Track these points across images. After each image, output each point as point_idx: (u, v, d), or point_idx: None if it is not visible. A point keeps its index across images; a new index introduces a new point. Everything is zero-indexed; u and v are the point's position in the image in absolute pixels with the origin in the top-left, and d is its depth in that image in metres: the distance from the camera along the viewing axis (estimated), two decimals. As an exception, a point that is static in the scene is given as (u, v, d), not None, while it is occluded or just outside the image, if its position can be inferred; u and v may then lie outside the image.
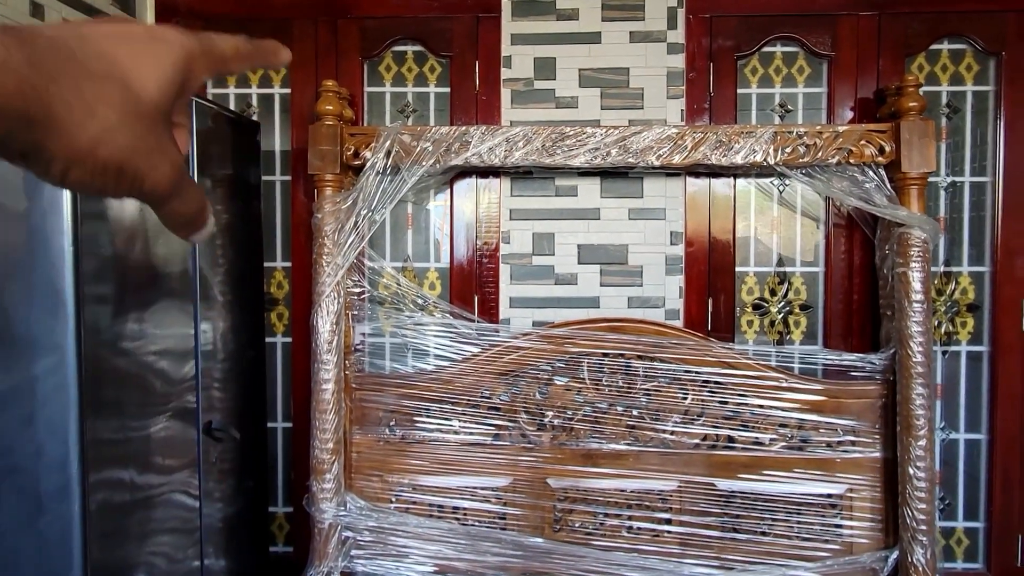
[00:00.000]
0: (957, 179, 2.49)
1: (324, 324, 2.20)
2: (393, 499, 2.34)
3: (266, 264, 2.54)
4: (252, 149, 2.34)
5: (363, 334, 2.39)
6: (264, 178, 2.51)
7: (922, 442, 2.15)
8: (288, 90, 2.53)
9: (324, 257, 2.21)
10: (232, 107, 2.53)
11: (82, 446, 1.46)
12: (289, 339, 2.56)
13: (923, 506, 2.14)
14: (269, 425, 2.56)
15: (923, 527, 2.14)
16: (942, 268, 2.50)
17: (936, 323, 2.49)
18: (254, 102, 2.57)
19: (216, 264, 2.10)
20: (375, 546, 2.28)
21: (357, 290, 2.35)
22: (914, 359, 2.15)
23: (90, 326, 1.53)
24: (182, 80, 0.37)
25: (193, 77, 0.38)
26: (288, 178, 2.54)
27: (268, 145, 2.54)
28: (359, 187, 2.22)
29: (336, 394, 2.21)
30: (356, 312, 2.36)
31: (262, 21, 2.50)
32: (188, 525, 1.91)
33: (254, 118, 2.52)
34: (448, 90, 2.51)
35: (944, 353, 2.51)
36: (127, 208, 1.70)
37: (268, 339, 2.56)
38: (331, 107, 2.22)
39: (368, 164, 2.22)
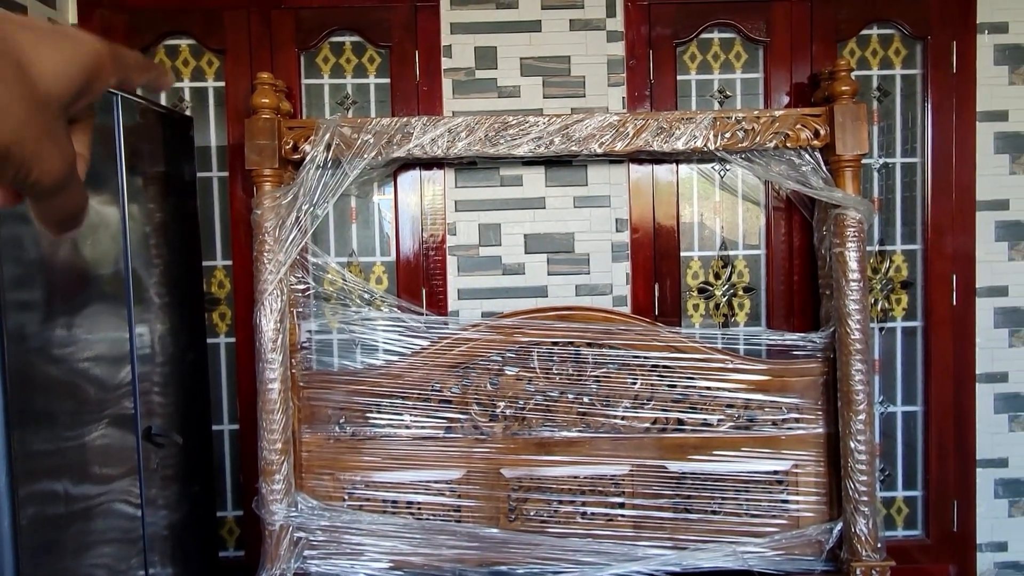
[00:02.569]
0: (889, 160, 2.57)
1: (268, 323, 2.15)
2: (346, 497, 2.31)
3: (206, 263, 2.47)
4: (185, 145, 2.27)
5: (309, 331, 2.35)
6: (200, 174, 2.43)
7: (862, 416, 2.22)
8: (222, 83, 2.46)
9: (265, 254, 2.15)
10: (163, 102, 2.44)
11: (10, 459, 1.40)
12: (233, 339, 2.50)
13: (864, 478, 2.21)
14: (215, 428, 2.49)
15: (864, 498, 2.21)
16: (877, 247, 2.58)
17: (873, 300, 2.57)
18: (187, 96, 2.49)
19: (151, 264, 2.03)
20: (329, 545, 2.25)
21: (301, 287, 2.30)
22: (852, 336, 2.21)
23: (14, 334, 1.46)
24: (85, 79, 0.36)
25: (99, 80, 0.37)
26: (225, 174, 2.47)
27: (203, 140, 2.47)
28: (299, 181, 2.17)
29: (283, 393, 2.17)
30: (301, 309, 2.32)
31: (191, 12, 2.42)
32: (130, 535, 1.85)
33: (187, 113, 2.44)
34: (388, 81, 2.47)
35: (881, 329, 2.59)
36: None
37: (211, 340, 2.49)
38: (267, 100, 2.16)
39: (308, 158, 2.17)
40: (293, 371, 2.26)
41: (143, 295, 1.97)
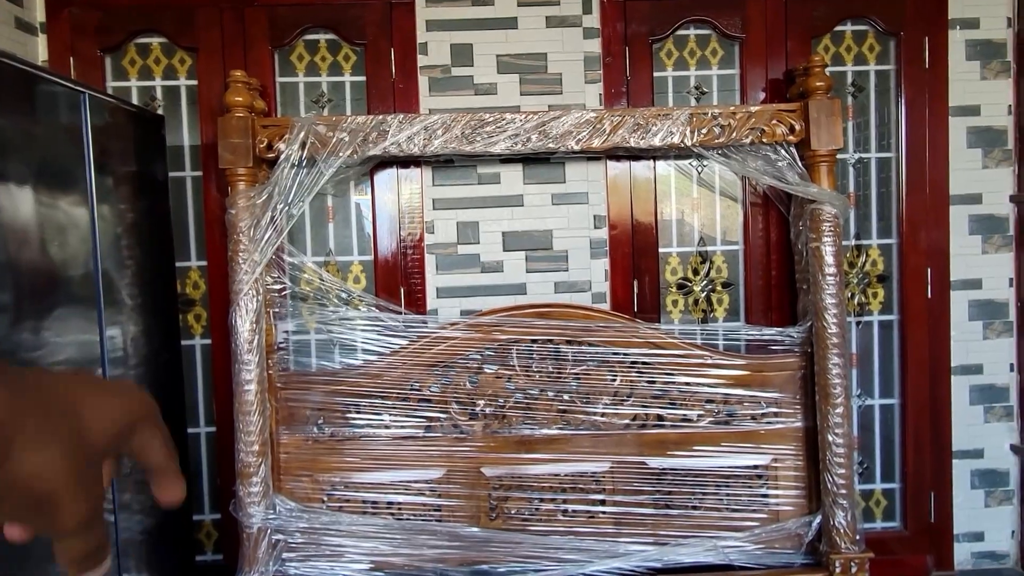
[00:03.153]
0: (864, 155, 2.59)
1: (243, 323, 2.13)
2: (325, 498, 2.29)
3: (180, 264, 2.44)
4: (157, 144, 2.23)
5: (286, 332, 2.32)
6: (173, 174, 2.40)
7: (839, 410, 2.23)
8: (195, 82, 2.43)
9: (240, 254, 2.13)
10: (135, 100, 2.41)
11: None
12: (208, 340, 2.47)
13: (842, 471, 2.22)
14: (192, 430, 2.47)
15: (843, 491, 2.23)
16: (853, 242, 2.60)
17: (849, 295, 2.58)
18: (158, 95, 2.45)
19: (123, 266, 2.00)
20: (308, 547, 2.23)
21: (277, 287, 2.28)
22: (829, 330, 2.22)
23: (-21, 337, 1.43)
24: (126, 433, 0.41)
25: (135, 434, 0.41)
26: (199, 173, 2.44)
27: (176, 140, 2.43)
28: (274, 180, 2.15)
29: (259, 395, 2.14)
30: (277, 309, 2.29)
31: (163, 9, 2.39)
32: (104, 540, 1.82)
33: (159, 111, 2.41)
34: (364, 79, 2.45)
35: (858, 323, 2.61)
36: (20, 209, 1.60)
37: (186, 341, 2.46)
38: (240, 98, 2.13)
39: (282, 156, 2.15)
40: (270, 372, 2.23)
41: (115, 297, 1.94)
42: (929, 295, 2.55)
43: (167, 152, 2.32)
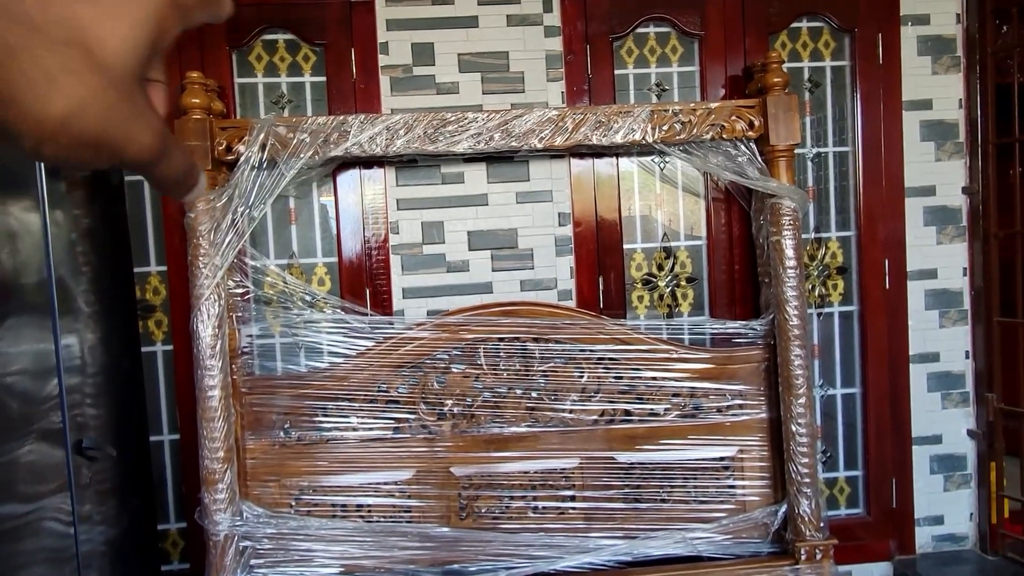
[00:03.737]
0: (822, 150, 2.64)
1: (205, 328, 2.10)
2: (293, 503, 2.27)
3: (139, 269, 2.39)
4: (112, 147, 2.19)
5: (250, 336, 2.30)
6: (129, 178, 2.36)
7: (802, 400, 2.27)
8: (150, 83, 2.38)
9: (200, 258, 2.10)
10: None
11: (-77, 480, 1.33)
12: (170, 347, 2.43)
13: (806, 460, 2.27)
14: (155, 438, 2.42)
15: (807, 480, 2.27)
16: (813, 235, 2.64)
17: (810, 287, 2.63)
18: (113, 97, 2.40)
19: (78, 272, 1.96)
20: (276, 553, 2.20)
21: (240, 291, 2.25)
22: (791, 323, 2.26)
23: (-74, 348, 1.39)
24: (154, 37, 0.34)
25: (166, 31, 0.35)
26: (157, 177, 2.39)
27: (133, 143, 2.38)
28: (233, 183, 2.12)
29: (223, 400, 2.12)
30: (241, 314, 2.26)
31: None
32: (63, 553, 1.78)
33: (114, 114, 2.36)
34: (324, 79, 2.43)
35: (819, 315, 2.66)
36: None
37: (148, 348, 2.42)
38: (198, 100, 2.10)
39: (242, 158, 2.12)
40: (234, 377, 2.20)
41: (71, 304, 1.90)
42: (887, 286, 2.61)
43: (123, 155, 2.27)
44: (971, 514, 2.67)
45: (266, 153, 2.12)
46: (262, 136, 2.12)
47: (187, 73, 2.12)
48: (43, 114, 0.30)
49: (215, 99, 2.22)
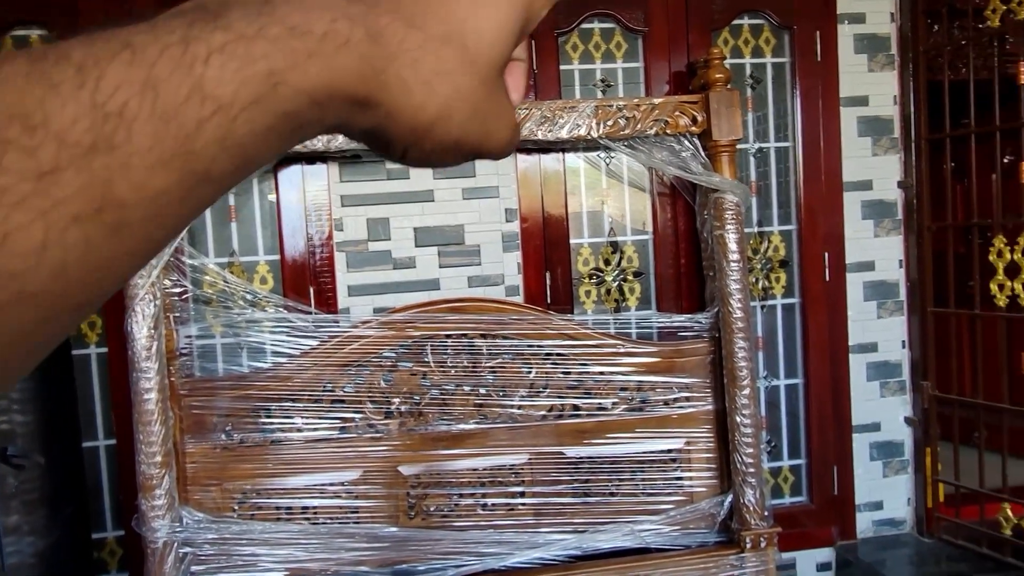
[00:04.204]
0: (764, 145, 2.68)
1: (140, 329, 2.03)
2: (235, 507, 2.21)
3: (70, 269, 2.30)
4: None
5: (189, 337, 2.23)
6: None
7: (746, 391, 2.31)
8: (80, 76, 2.29)
9: (134, 257, 2.02)
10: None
11: None
12: (105, 349, 2.34)
13: (750, 451, 2.30)
14: (90, 444, 2.34)
15: (751, 470, 2.30)
16: (756, 229, 2.69)
17: (753, 280, 2.68)
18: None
19: (2, 273, 1.87)
20: (218, 559, 2.15)
21: (177, 290, 2.18)
22: (734, 315, 2.29)
23: None
24: (523, 24, 0.32)
25: (534, 14, 0.33)
26: (88, 173, 2.30)
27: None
28: (168, 179, 2.05)
29: (161, 403, 2.05)
30: (178, 314, 2.19)
31: (46, 2, 2.24)
32: (-12, 566, 1.71)
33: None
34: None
35: (763, 307, 2.71)
36: None
37: (81, 351, 2.33)
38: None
39: (177, 153, 2.05)
40: (172, 379, 2.14)
41: (-7, 306, 1.81)
42: (827, 278, 2.67)
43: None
44: (909, 499, 2.76)
45: (202, 148, 2.06)
46: (198, 131, 2.05)
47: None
48: (415, 121, 0.29)
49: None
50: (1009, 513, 2.48)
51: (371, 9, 0.28)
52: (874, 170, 2.68)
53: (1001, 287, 2.46)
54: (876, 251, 2.70)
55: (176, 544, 2.08)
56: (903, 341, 2.73)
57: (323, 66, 0.26)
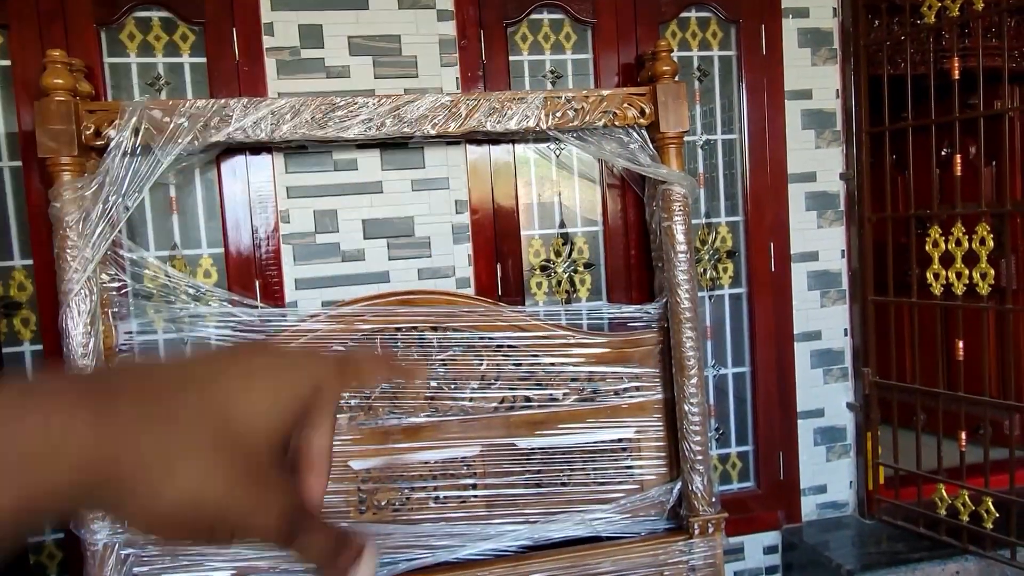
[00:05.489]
0: (711, 137, 2.72)
1: (76, 326, 1.96)
2: (180, 507, 2.16)
3: (1, 264, 2.21)
4: (-37, 131, 2.01)
5: (129, 332, 2.17)
6: (-14, 165, 2.17)
7: (694, 380, 2.34)
8: (7, 62, 2.20)
9: (68, 251, 1.95)
10: (-63, 83, 2.15)
11: None
12: (40, 346, 2.26)
13: (698, 438, 2.34)
14: (25, 445, 2.25)
15: (699, 457, 2.34)
16: (704, 220, 2.72)
17: (702, 271, 2.71)
18: (-35, 76, 2.21)
19: (-75, 268, 1.79)
20: (162, 559, 2.10)
21: (115, 285, 2.12)
22: (682, 305, 2.32)
23: None
24: (302, 409, 0.33)
25: (321, 403, 0.34)
26: (18, 164, 2.21)
27: (-11, 126, 2.20)
28: (104, 170, 1.99)
29: (99, 402, 1.99)
30: (116, 309, 2.13)
31: (-35, -19, 2.14)
32: (-87, 575, 1.63)
33: (-34, 95, 2.17)
34: (204, 60, 2.31)
35: (711, 297, 2.75)
36: None
37: (14, 348, 2.25)
38: (60, 80, 1.95)
39: (113, 144, 1.99)
40: (111, 377, 2.07)
41: (-84, 303, 1.73)
42: (772, 268, 2.72)
43: (-23, 140, 2.09)
44: (851, 482, 2.84)
45: (140, 138, 1.99)
46: (134, 120, 1.99)
47: (48, 51, 1.96)
48: (151, 504, 0.29)
49: (82, 80, 2.08)
50: (944, 494, 2.58)
51: (111, 398, 0.29)
52: (817, 162, 2.74)
53: (936, 276, 2.54)
54: (819, 241, 2.76)
55: (117, 546, 2.02)
56: (845, 329, 2.80)
57: (57, 461, 0.27)
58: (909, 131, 2.56)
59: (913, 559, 2.50)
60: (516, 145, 2.53)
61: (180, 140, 2.02)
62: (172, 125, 2.02)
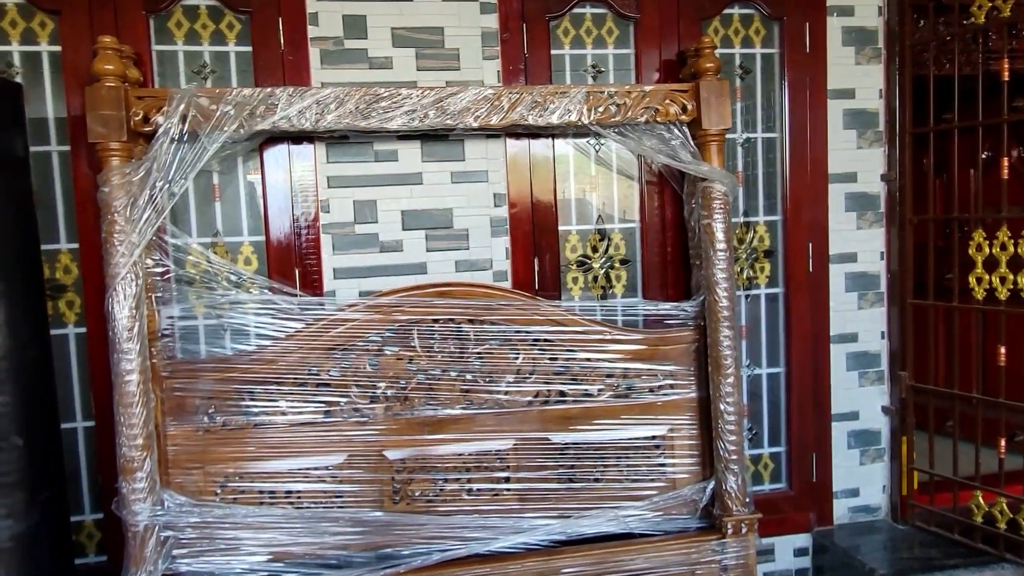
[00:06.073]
0: (751, 135, 2.69)
1: (121, 310, 1.98)
2: (218, 491, 2.19)
3: (47, 247, 2.24)
4: (15, 115, 2.03)
5: (171, 318, 2.19)
6: (36, 148, 2.20)
7: (730, 379, 2.33)
8: (58, 48, 2.22)
9: (116, 235, 1.98)
10: (-11, 67, 2.18)
11: None
12: (83, 329, 2.29)
13: (733, 438, 2.33)
14: (67, 426, 2.29)
15: (734, 457, 2.33)
16: (742, 219, 2.70)
17: (739, 269, 2.70)
18: (16, 61, 2.23)
19: (-21, 249, 1.82)
20: (200, 543, 2.12)
21: (159, 270, 2.14)
22: (720, 304, 2.31)
23: None
24: None
25: None
26: (67, 148, 2.24)
27: (38, 111, 2.23)
28: (152, 156, 2.01)
29: (142, 385, 2.01)
30: (160, 294, 2.15)
31: (19, -33, 2.17)
32: (-35, 549, 1.66)
33: (17, 79, 2.19)
34: (250, 49, 2.32)
35: (747, 297, 2.73)
36: None
37: (58, 331, 2.28)
38: (111, 66, 1.97)
39: (161, 130, 2.01)
40: (153, 360, 2.10)
41: (-30, 283, 1.76)
42: (810, 269, 2.70)
43: (28, 124, 2.11)
44: (884, 486, 2.81)
45: (187, 125, 2.01)
46: (183, 107, 2.01)
47: (99, 37, 1.98)
48: None
49: (131, 67, 2.10)
50: (981, 501, 2.54)
51: None
52: (858, 162, 2.70)
53: (979, 280, 2.50)
54: (858, 243, 2.73)
55: (157, 528, 2.05)
56: (882, 332, 2.77)
57: None
58: (955, 133, 2.52)
59: (948, 565, 2.47)
60: (555, 140, 2.52)
61: (226, 128, 2.04)
62: (219, 113, 2.03)
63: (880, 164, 2.72)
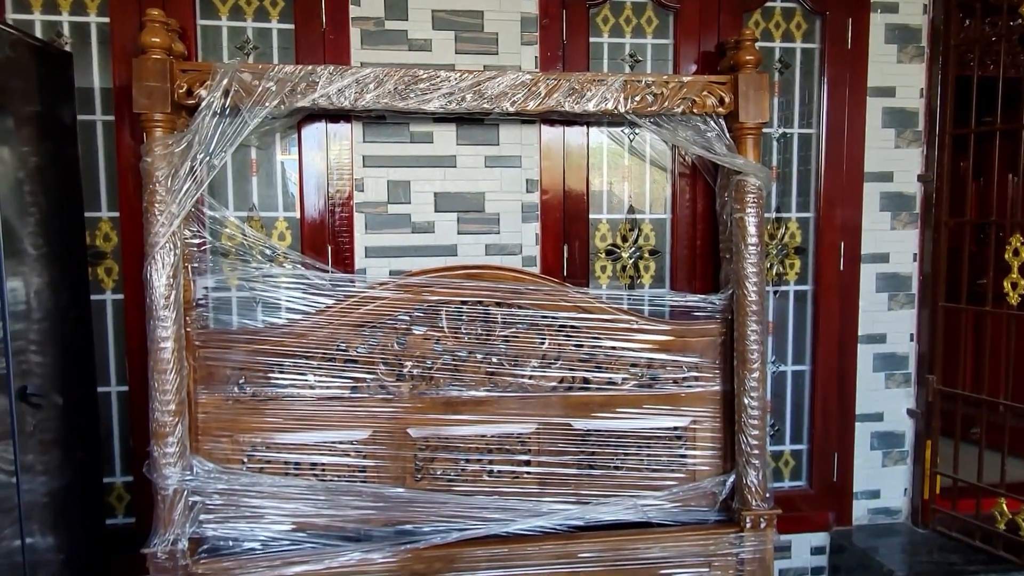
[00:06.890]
0: (787, 131, 2.67)
1: (159, 278, 2.03)
2: (245, 459, 2.23)
3: (89, 214, 2.30)
4: (64, 84, 2.08)
5: (206, 288, 2.23)
6: (82, 117, 2.25)
7: (756, 374, 2.33)
8: (106, 19, 2.26)
9: (156, 205, 2.02)
10: (39, 35, 2.23)
11: None
12: (121, 295, 2.34)
13: (756, 432, 2.33)
14: (102, 390, 2.35)
15: (756, 452, 2.33)
16: (774, 214, 2.69)
17: (768, 265, 2.68)
18: (66, 31, 2.28)
19: (26, 214, 1.87)
20: (227, 509, 2.17)
21: (196, 241, 2.18)
22: (749, 298, 2.31)
23: None
24: None
25: None
26: (111, 118, 2.29)
27: (85, 81, 2.27)
28: (194, 128, 2.04)
29: (176, 352, 2.06)
30: (196, 264, 2.20)
31: (71, -62, 2.21)
32: (4, 503, 1.72)
33: (67, 49, 2.24)
34: (292, 27, 2.35)
35: (775, 293, 2.72)
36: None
37: (96, 296, 2.33)
38: (158, 39, 2.00)
39: (203, 103, 2.04)
40: (188, 329, 2.14)
41: (16, 246, 1.81)
42: (841, 268, 2.68)
43: (75, 93, 2.16)
44: (906, 489, 2.79)
45: (229, 99, 2.05)
46: (226, 81, 2.04)
47: (147, 10, 2.02)
48: None
49: (176, 40, 2.13)
50: (1004, 508, 2.52)
51: None
52: (895, 162, 2.67)
53: (1015, 285, 2.47)
54: (891, 243, 2.70)
55: (186, 492, 2.10)
56: (911, 334, 2.74)
57: None
58: (996, 135, 2.49)
59: (968, 571, 2.45)
60: (590, 128, 2.52)
61: (267, 103, 2.07)
62: (260, 88, 2.06)
63: (917, 164, 2.69)
